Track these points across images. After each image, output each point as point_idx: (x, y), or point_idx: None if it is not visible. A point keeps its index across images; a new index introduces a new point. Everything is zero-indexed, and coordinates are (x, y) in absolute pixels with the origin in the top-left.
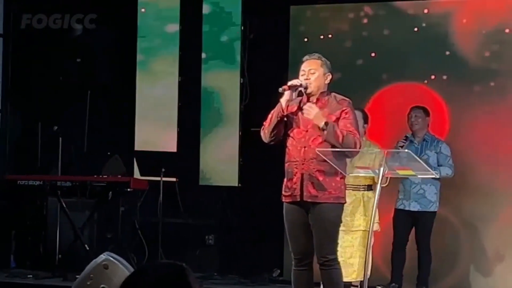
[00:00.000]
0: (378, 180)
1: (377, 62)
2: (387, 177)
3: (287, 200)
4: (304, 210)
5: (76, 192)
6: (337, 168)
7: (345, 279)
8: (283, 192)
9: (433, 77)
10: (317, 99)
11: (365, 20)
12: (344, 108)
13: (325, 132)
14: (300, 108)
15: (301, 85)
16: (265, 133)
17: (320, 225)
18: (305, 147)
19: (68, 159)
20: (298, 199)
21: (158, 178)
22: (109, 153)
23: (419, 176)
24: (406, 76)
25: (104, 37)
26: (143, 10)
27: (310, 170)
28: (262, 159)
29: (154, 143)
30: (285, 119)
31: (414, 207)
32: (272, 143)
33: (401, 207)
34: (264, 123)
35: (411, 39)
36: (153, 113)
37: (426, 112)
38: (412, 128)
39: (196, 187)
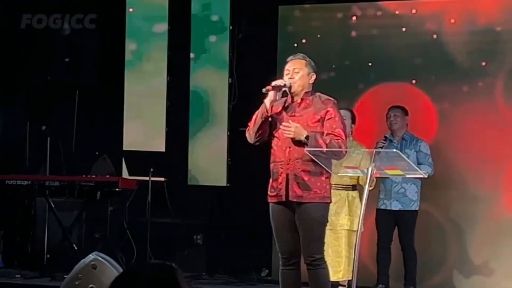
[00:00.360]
0: (366, 180)
1: (366, 62)
2: (373, 180)
3: (273, 201)
4: (290, 210)
5: (64, 192)
6: (324, 167)
7: (332, 279)
8: (268, 193)
9: (421, 77)
10: (302, 99)
11: (354, 20)
12: (328, 109)
13: (307, 145)
14: (284, 108)
15: (285, 85)
16: (250, 134)
17: (306, 224)
18: (289, 147)
19: (57, 159)
20: (284, 199)
21: (147, 178)
22: (97, 153)
23: (407, 176)
24: (394, 76)
25: (93, 36)
26: (131, 10)
27: (295, 170)
28: (251, 159)
29: (143, 143)
30: (270, 119)
31: (395, 206)
32: (257, 143)
33: (383, 207)
34: (249, 124)
35: (399, 39)
36: (141, 113)
37: (404, 112)
38: (391, 127)
39: (185, 187)
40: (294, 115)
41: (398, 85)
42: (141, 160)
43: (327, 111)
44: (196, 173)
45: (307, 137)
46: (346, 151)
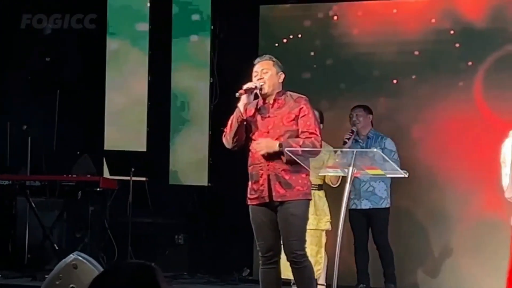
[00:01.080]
0: (336, 180)
1: (347, 62)
2: (339, 178)
3: (254, 203)
4: (271, 209)
5: (45, 191)
6: (305, 166)
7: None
8: (248, 195)
9: (402, 76)
10: (274, 100)
11: (335, 20)
12: (301, 106)
13: (284, 152)
14: (257, 110)
15: (256, 87)
16: (228, 139)
17: (288, 221)
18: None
19: (38, 159)
20: (267, 200)
21: (128, 178)
22: (78, 153)
23: (387, 176)
24: (376, 75)
25: (74, 36)
26: (112, 8)
27: (275, 170)
28: (232, 159)
29: (124, 143)
30: (245, 123)
31: (365, 205)
32: (235, 148)
33: (353, 206)
34: (225, 129)
35: (380, 39)
36: (122, 112)
37: (367, 110)
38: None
39: (166, 187)
40: (269, 116)
41: (380, 84)
42: (122, 160)
43: (301, 108)
44: (177, 173)
45: (280, 145)
46: (320, 145)
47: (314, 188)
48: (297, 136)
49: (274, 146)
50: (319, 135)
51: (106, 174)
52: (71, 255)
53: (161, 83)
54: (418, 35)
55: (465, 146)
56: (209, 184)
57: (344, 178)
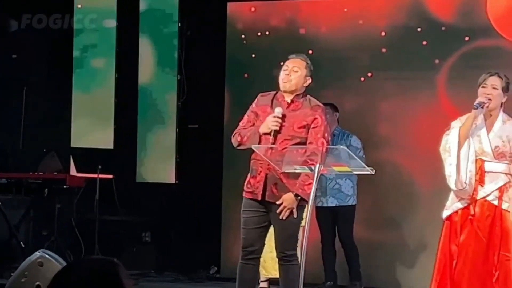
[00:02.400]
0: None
1: (315, 59)
2: None
3: (248, 196)
4: (263, 207)
5: (11, 189)
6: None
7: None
8: (244, 188)
9: (369, 74)
10: (291, 101)
11: (303, 17)
12: (316, 116)
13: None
14: (271, 107)
15: (274, 95)
16: (238, 145)
17: (281, 223)
18: (271, 148)
19: (4, 156)
20: (259, 198)
21: (95, 175)
22: (45, 150)
23: (354, 173)
24: (343, 73)
25: (40, 32)
26: (79, 6)
27: (274, 171)
28: (199, 156)
29: (91, 140)
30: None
31: (331, 202)
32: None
33: (320, 204)
34: (239, 137)
35: (348, 36)
36: (89, 109)
37: (333, 108)
38: None
39: (133, 184)
40: (283, 115)
41: (348, 82)
42: (89, 157)
43: (315, 119)
44: (144, 170)
45: (296, 196)
46: (326, 151)
47: None
48: (304, 144)
49: (295, 201)
50: (324, 148)
51: (73, 171)
52: (36, 252)
53: (128, 80)
54: (386, 32)
55: (430, 143)
56: (177, 182)
57: None
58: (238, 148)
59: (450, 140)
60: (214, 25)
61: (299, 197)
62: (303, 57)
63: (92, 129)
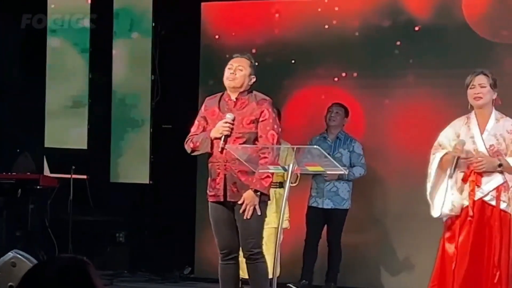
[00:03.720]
0: (287, 177)
1: (289, 59)
2: (297, 176)
3: (212, 200)
4: (228, 207)
5: None
6: (249, 166)
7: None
8: (207, 192)
9: (343, 74)
10: (237, 98)
11: (276, 18)
12: (263, 109)
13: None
14: (219, 108)
15: (222, 96)
16: (191, 150)
17: (244, 221)
18: (226, 148)
19: None
20: (222, 200)
21: (69, 176)
22: (18, 150)
23: (328, 172)
24: (318, 73)
25: (14, 32)
26: (53, 6)
27: (232, 170)
28: (173, 156)
29: (64, 140)
30: (207, 123)
31: (327, 204)
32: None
33: (314, 204)
34: (191, 143)
35: (322, 36)
36: (63, 110)
37: (346, 112)
38: (329, 123)
39: (107, 184)
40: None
41: (321, 82)
42: (63, 158)
43: (262, 112)
44: (118, 171)
45: (256, 191)
46: (275, 156)
47: (275, 186)
48: (255, 139)
49: (256, 199)
50: (275, 141)
51: (47, 172)
52: (9, 253)
53: (102, 80)
54: (359, 33)
55: (403, 143)
56: (150, 182)
57: (302, 176)
58: (192, 154)
59: (432, 165)
60: (188, 25)
61: (258, 193)
62: (247, 56)
63: (65, 129)
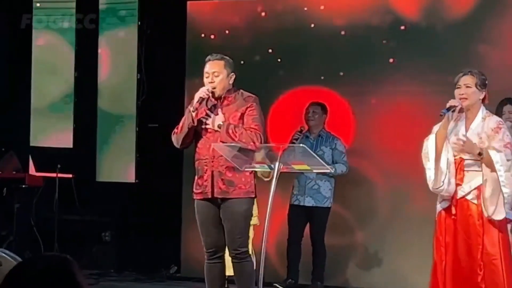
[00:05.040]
0: (269, 174)
1: (275, 58)
2: (269, 172)
3: (198, 197)
4: (215, 205)
5: None
6: (232, 163)
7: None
8: (194, 190)
9: (329, 73)
10: (224, 97)
11: (262, 16)
12: (248, 105)
13: (220, 131)
14: (208, 109)
15: (208, 96)
16: (177, 140)
17: (231, 218)
18: (213, 146)
19: None
20: (210, 196)
21: (54, 175)
22: (3, 149)
23: (314, 171)
24: (303, 72)
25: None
26: (38, 4)
27: (219, 167)
28: (160, 155)
29: (50, 139)
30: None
31: (308, 202)
32: (183, 148)
33: (296, 202)
34: (176, 129)
35: (308, 35)
36: (48, 108)
37: (324, 110)
38: (307, 123)
39: (93, 183)
40: (217, 114)
41: (308, 81)
42: (49, 157)
43: (248, 107)
44: (104, 169)
45: (219, 126)
46: (260, 142)
47: None
48: None
49: (217, 123)
50: (260, 133)
51: (32, 171)
52: None
53: (88, 79)
54: (346, 31)
55: (391, 143)
56: (137, 181)
57: (286, 175)
58: (180, 144)
59: (428, 145)
60: (174, 24)
61: (218, 128)
62: (219, 57)
63: (51, 128)
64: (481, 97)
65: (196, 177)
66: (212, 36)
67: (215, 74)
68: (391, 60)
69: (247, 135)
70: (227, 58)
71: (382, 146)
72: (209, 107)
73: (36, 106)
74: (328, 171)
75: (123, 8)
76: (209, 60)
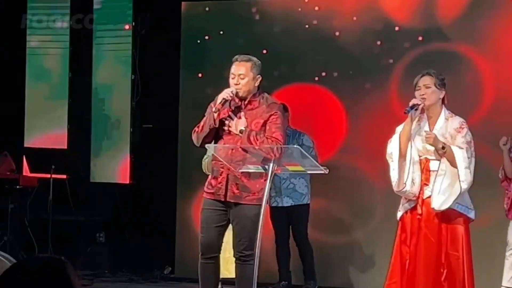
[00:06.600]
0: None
1: (269, 59)
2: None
3: (209, 197)
4: (224, 207)
5: None
6: (230, 166)
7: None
8: (205, 189)
9: (323, 74)
10: (248, 101)
11: (257, 17)
12: (272, 113)
13: (242, 136)
14: (232, 110)
15: (231, 97)
16: (198, 139)
17: (241, 223)
18: (232, 149)
19: None
20: (222, 199)
21: (48, 175)
22: None
23: (308, 172)
24: (298, 73)
25: None
26: (33, 5)
27: (235, 171)
28: (154, 156)
29: (44, 140)
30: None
31: (287, 202)
32: (203, 146)
33: (275, 204)
34: (196, 128)
35: (302, 36)
36: (43, 109)
37: (284, 108)
38: None
39: (87, 184)
40: (240, 118)
41: (302, 82)
42: (43, 157)
43: (271, 115)
44: (98, 170)
45: (240, 131)
46: (280, 151)
47: None
48: None
49: (238, 129)
50: (281, 142)
51: (26, 171)
52: None
53: (83, 79)
54: (340, 32)
55: (382, 143)
56: (131, 182)
57: None
58: (200, 144)
59: (392, 146)
60: (168, 25)
61: (240, 133)
62: (247, 59)
63: (45, 129)
64: (441, 96)
65: (210, 176)
66: (207, 37)
67: (241, 77)
68: (384, 61)
69: (268, 145)
70: (255, 59)
71: (375, 146)
72: (232, 108)
73: (30, 107)
74: (323, 172)
75: (117, 8)
76: (236, 60)
